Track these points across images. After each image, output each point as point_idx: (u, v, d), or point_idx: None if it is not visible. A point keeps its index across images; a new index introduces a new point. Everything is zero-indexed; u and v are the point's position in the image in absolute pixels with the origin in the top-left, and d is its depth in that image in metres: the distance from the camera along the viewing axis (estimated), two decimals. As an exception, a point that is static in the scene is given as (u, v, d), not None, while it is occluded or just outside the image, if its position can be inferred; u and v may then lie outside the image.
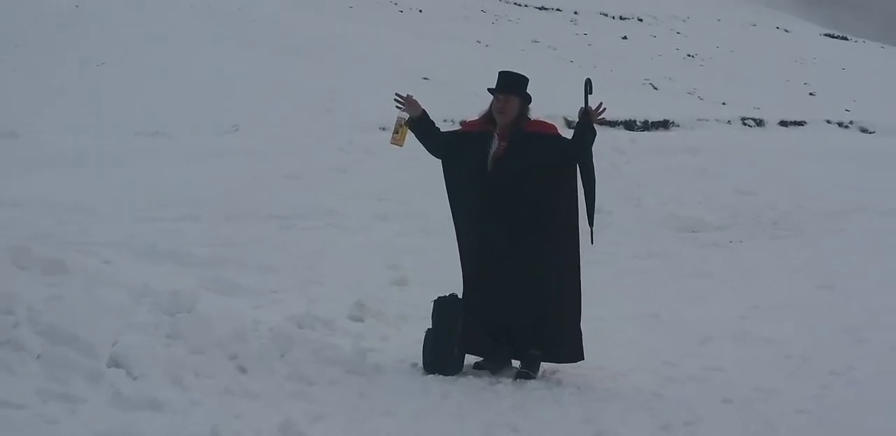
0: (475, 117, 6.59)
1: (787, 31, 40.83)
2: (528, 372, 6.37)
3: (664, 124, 20.59)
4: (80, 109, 19.28)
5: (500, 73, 6.49)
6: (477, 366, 6.53)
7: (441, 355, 6.39)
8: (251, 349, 6.20)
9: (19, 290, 5.88)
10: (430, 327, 6.53)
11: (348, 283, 8.66)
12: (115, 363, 5.64)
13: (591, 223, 6.47)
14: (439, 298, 6.56)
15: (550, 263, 6.29)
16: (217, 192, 12.21)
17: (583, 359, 6.46)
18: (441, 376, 6.32)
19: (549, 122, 6.58)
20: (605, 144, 16.23)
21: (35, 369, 5.40)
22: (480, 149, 6.34)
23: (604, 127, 20.86)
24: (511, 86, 6.39)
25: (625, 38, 33.14)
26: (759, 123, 22.12)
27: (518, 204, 6.24)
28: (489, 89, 6.45)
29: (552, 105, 20.37)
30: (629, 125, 19.93)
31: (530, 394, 6.06)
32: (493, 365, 6.52)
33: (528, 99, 6.43)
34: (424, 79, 22.01)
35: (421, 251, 9.91)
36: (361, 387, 6.05)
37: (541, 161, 6.23)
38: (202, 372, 5.86)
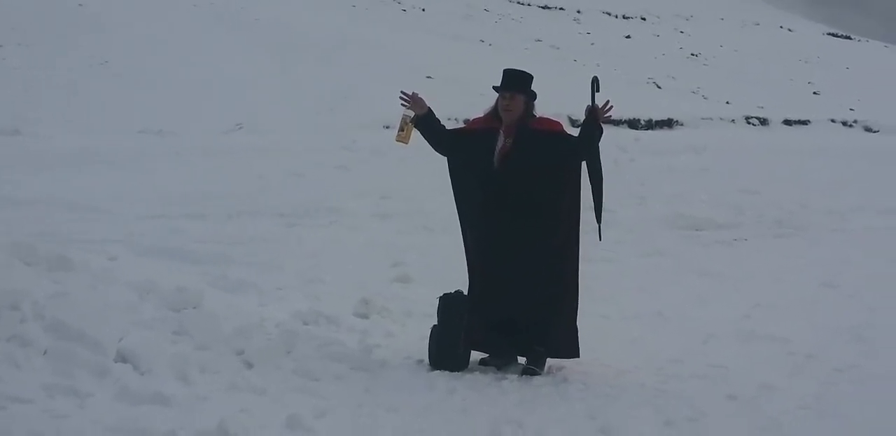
0: (480, 115, 6.61)
1: (790, 30, 40.81)
2: (534, 368, 6.37)
3: (668, 123, 20.64)
4: (83, 108, 19.36)
5: (504, 70, 6.51)
6: (483, 362, 6.55)
7: (446, 352, 6.40)
8: (257, 345, 6.22)
9: (25, 286, 5.90)
10: (436, 323, 6.55)
11: (353, 280, 8.69)
12: (121, 359, 5.66)
13: (598, 220, 6.48)
14: (445, 294, 6.58)
15: (553, 259, 6.32)
16: (222, 190, 12.25)
17: (578, 356, 6.47)
18: (446, 372, 6.34)
19: (555, 119, 6.57)
20: (608, 142, 16.22)
21: (42, 364, 5.42)
22: (486, 146, 6.36)
23: (607, 125, 20.92)
24: (516, 83, 6.40)
25: (628, 36, 33.15)
26: (763, 121, 22.15)
27: (523, 200, 6.25)
28: (494, 87, 6.46)
29: (556, 104, 20.39)
30: (633, 124, 19.98)
31: (536, 390, 6.08)
32: (499, 361, 6.53)
33: (534, 96, 6.45)
34: (428, 77, 22.06)
35: (424, 249, 9.93)
36: (367, 383, 6.07)
37: (547, 158, 6.26)
38: (208, 368, 5.88)
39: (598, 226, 6.50)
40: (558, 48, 29.96)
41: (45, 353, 5.50)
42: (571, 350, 6.46)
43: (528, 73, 6.46)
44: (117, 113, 18.83)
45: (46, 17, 26.24)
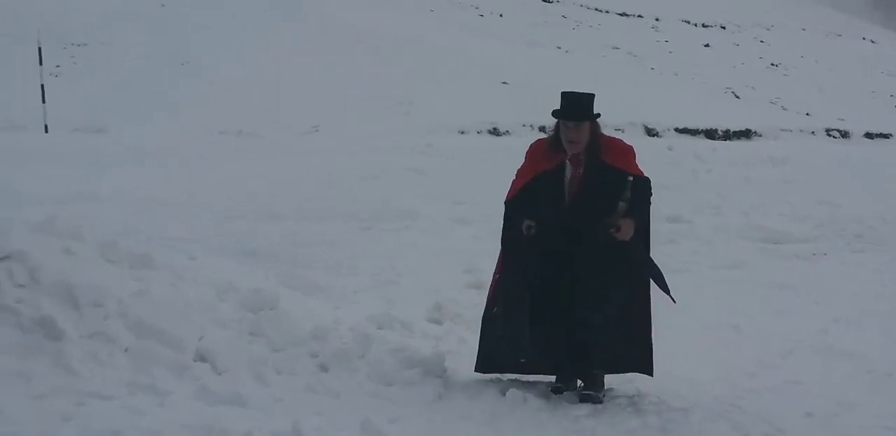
0: (543, 138, 6.28)
1: (873, 41, 40.12)
2: (592, 394, 6.05)
3: (746, 134, 20.40)
4: (165, 107, 19.65)
5: (563, 95, 6.01)
6: (555, 391, 6.16)
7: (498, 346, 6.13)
8: (332, 348, 6.26)
9: (109, 283, 6.01)
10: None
11: (426, 285, 8.71)
12: (200, 358, 5.75)
13: (666, 291, 6.08)
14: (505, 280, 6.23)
15: (619, 281, 6.03)
16: (298, 191, 12.36)
17: (651, 374, 6.22)
18: (519, 381, 6.32)
19: (626, 144, 6.14)
20: (686, 152, 16.16)
21: (123, 361, 5.52)
22: (556, 183, 6.01)
23: (685, 135, 20.80)
24: (581, 111, 5.96)
25: (707, 45, 32.83)
26: (844, 134, 21.82)
27: (596, 233, 5.92)
28: (555, 114, 6.01)
29: (632, 112, 20.30)
30: (710, 134, 19.77)
31: (609, 401, 6.04)
32: (567, 385, 6.20)
33: (598, 117, 6.03)
34: (504, 83, 22.03)
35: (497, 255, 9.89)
36: (439, 389, 6.08)
37: (614, 195, 5.92)
38: (284, 369, 5.94)
39: (668, 295, 6.09)
40: (636, 56, 29.76)
41: (126, 350, 5.60)
42: (644, 367, 6.21)
43: (591, 94, 6.02)
44: (197, 113, 19.08)
45: (129, 16, 26.69)
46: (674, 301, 6.13)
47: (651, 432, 5.56)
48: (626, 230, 5.89)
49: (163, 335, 5.69)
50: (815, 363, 7.04)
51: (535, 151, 6.22)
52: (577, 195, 6.01)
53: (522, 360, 6.15)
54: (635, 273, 6.09)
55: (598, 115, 6.01)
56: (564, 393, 6.12)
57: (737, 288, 9.31)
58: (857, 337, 7.65)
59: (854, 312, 8.46)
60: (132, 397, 5.23)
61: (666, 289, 6.09)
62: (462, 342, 7.11)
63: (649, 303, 6.17)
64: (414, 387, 6.07)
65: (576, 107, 5.97)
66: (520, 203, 6.14)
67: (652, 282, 6.13)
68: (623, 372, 6.33)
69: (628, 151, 6.09)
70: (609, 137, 6.15)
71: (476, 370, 6.30)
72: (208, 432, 4.93)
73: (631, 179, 5.96)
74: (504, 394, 6.04)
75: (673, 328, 7.23)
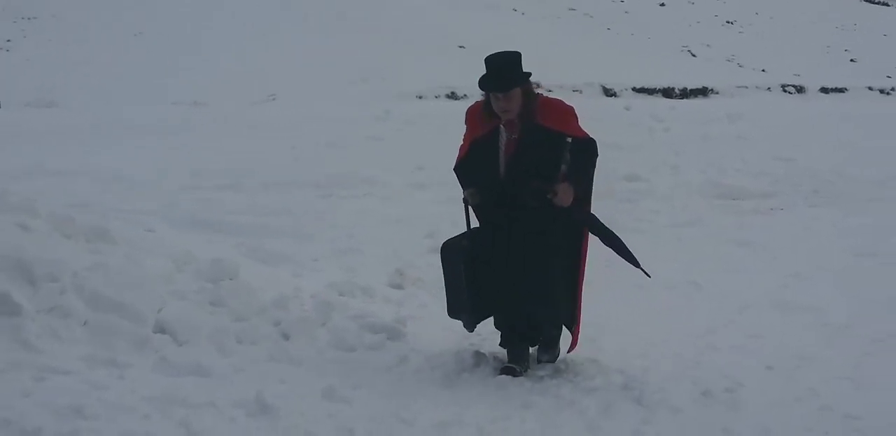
0: (480, 100, 5.84)
1: (827, -4, 40.23)
2: (545, 358, 6.00)
3: (703, 92, 20.45)
4: (117, 79, 19.42)
5: (486, 61, 5.59)
6: (505, 371, 5.87)
7: (456, 299, 5.98)
8: (293, 316, 6.25)
9: (64, 257, 5.95)
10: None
11: (387, 251, 8.70)
12: (160, 330, 5.72)
13: (635, 264, 5.94)
14: (445, 243, 6.11)
15: (548, 251, 5.73)
16: (256, 161, 12.27)
17: (572, 328, 5.94)
18: (476, 340, 6.34)
19: (564, 103, 5.77)
20: (643, 111, 16.20)
21: (82, 335, 5.49)
22: (490, 149, 5.72)
23: (642, 94, 20.85)
24: (505, 80, 5.55)
25: (662, 4, 32.79)
26: (800, 89, 21.91)
27: (529, 197, 5.65)
28: (480, 86, 5.63)
29: (588, 73, 20.30)
30: (667, 93, 19.80)
31: (571, 361, 6.08)
32: (519, 366, 5.92)
33: (528, 76, 5.61)
34: (461, 47, 21.94)
35: (459, 219, 9.87)
36: (402, 353, 6.10)
37: (552, 159, 5.59)
38: (245, 339, 5.93)
39: (640, 268, 5.95)
40: (592, 17, 29.67)
41: (84, 324, 5.57)
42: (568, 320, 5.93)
43: (515, 55, 5.59)
44: (151, 84, 18.86)
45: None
46: (647, 275, 5.99)
47: (614, 390, 5.61)
48: (565, 196, 5.54)
49: (121, 308, 5.66)
50: (774, 318, 7.12)
51: (471, 115, 5.89)
52: (513, 162, 5.67)
53: (470, 330, 6.08)
54: (573, 244, 5.80)
55: (529, 74, 5.60)
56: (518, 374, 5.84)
57: (695, 245, 9.36)
58: (815, 291, 7.74)
59: (811, 266, 8.54)
60: (92, 371, 5.19)
61: (635, 262, 5.91)
62: (423, 307, 7.14)
63: (580, 277, 5.86)
64: (376, 352, 6.09)
65: (499, 75, 5.55)
66: (462, 171, 5.93)
67: (618, 256, 5.91)
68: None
69: (567, 112, 5.71)
70: (545, 97, 5.79)
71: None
72: (171, 403, 4.92)
73: (570, 140, 5.58)
74: (465, 357, 6.07)
75: (631, 286, 7.28)
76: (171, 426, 4.72)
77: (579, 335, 6.00)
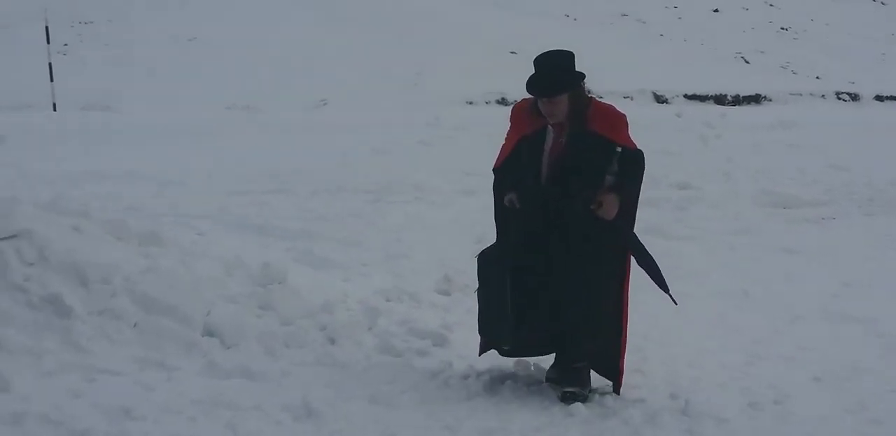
0: (528, 98, 5.55)
1: (883, 3, 39.75)
2: (576, 392, 5.52)
3: (756, 99, 20.31)
4: (171, 84, 19.64)
5: (536, 61, 5.36)
6: (549, 380, 5.68)
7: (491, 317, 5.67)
8: (340, 321, 6.29)
9: (116, 260, 6.04)
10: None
11: (435, 257, 8.71)
12: (209, 333, 5.78)
13: (664, 289, 5.54)
14: (482, 252, 5.77)
15: (597, 270, 5.41)
16: (306, 166, 12.36)
17: (616, 380, 5.62)
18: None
19: (617, 110, 5.49)
20: (695, 118, 16.10)
21: (132, 337, 5.57)
22: (535, 150, 5.44)
23: (694, 101, 20.71)
24: (553, 85, 5.29)
25: (716, 10, 32.55)
26: (854, 97, 21.69)
27: (573, 206, 5.36)
28: (527, 89, 5.38)
29: (641, 80, 20.21)
30: (719, 100, 19.67)
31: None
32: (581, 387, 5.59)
33: (580, 79, 5.36)
34: (512, 53, 21.94)
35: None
36: (448, 358, 6.10)
37: (597, 166, 5.34)
38: (293, 342, 5.97)
39: (668, 294, 5.56)
40: (644, 23, 29.54)
41: (135, 326, 5.64)
42: (611, 371, 5.61)
43: (567, 56, 5.33)
44: (205, 89, 19.06)
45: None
46: (675, 302, 5.65)
47: (659, 400, 5.56)
48: (610, 207, 5.26)
49: (171, 311, 5.73)
50: (824, 328, 7.02)
51: (517, 112, 5.63)
52: (556, 166, 5.38)
53: (506, 348, 5.70)
54: (614, 262, 5.46)
55: (582, 76, 5.35)
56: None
57: (746, 254, 9.28)
58: (867, 302, 7.63)
59: (864, 276, 8.43)
60: (141, 372, 5.26)
61: (664, 287, 5.52)
62: (470, 313, 7.07)
63: (625, 298, 5.52)
64: (421, 358, 6.10)
65: (546, 79, 5.30)
66: (505, 172, 5.58)
67: (650, 278, 5.51)
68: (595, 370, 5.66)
69: (619, 119, 5.41)
70: (599, 102, 5.52)
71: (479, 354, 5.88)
72: (217, 406, 4.97)
73: (619, 149, 5.33)
74: (509, 364, 6.04)
75: (681, 295, 7.19)
76: (218, 429, 4.76)
77: (624, 372, 5.64)
